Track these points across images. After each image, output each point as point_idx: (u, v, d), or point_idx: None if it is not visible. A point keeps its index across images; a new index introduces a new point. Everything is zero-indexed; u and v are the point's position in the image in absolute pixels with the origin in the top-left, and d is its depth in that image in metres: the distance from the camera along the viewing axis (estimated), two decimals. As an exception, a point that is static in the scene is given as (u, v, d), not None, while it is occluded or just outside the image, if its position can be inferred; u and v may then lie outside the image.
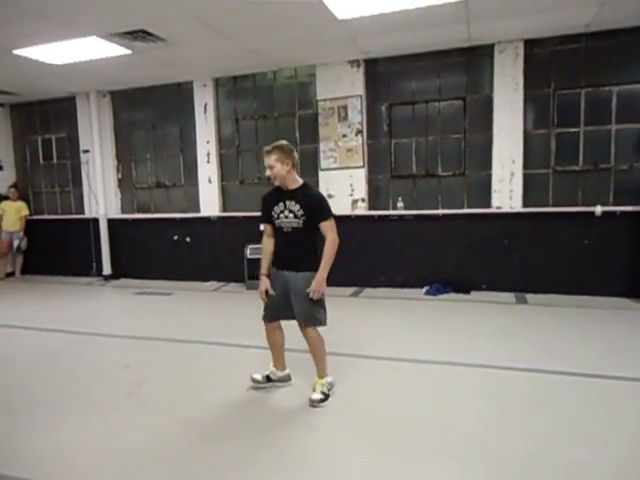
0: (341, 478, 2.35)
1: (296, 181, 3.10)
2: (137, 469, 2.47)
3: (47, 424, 2.96)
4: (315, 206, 3.04)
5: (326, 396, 3.11)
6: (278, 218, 3.09)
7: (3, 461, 2.58)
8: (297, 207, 3.02)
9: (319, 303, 3.09)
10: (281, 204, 3.06)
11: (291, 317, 3.16)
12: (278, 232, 3.13)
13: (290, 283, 3.08)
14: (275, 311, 3.19)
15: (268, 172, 3.07)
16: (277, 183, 3.07)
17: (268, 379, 3.31)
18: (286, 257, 3.12)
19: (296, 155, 3.13)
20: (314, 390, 3.14)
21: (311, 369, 3.24)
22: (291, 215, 3.03)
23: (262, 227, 3.28)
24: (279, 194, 3.11)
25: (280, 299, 3.13)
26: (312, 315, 3.09)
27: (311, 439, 2.73)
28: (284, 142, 3.14)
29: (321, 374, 3.19)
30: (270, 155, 3.02)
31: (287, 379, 3.38)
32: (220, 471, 2.44)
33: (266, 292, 3.17)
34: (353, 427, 2.82)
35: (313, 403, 3.06)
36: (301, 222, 3.02)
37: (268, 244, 3.22)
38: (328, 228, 3.02)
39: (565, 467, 2.37)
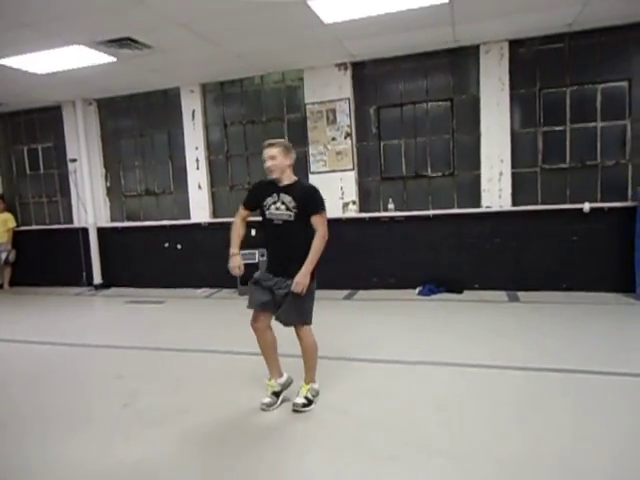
0: (341, 484, 2.34)
1: (291, 178, 3.08)
2: (134, 482, 2.44)
3: (40, 438, 2.92)
4: (308, 198, 3.01)
5: (309, 402, 3.08)
6: (269, 209, 3.04)
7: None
8: (289, 199, 2.99)
9: (309, 302, 3.03)
10: (275, 195, 3.03)
11: (274, 311, 3.08)
12: (267, 226, 3.06)
13: (280, 284, 3.01)
14: (262, 298, 3.06)
15: (268, 163, 2.99)
16: (275, 176, 3.01)
17: (276, 395, 3.18)
18: (278, 258, 3.06)
19: (294, 156, 3.12)
20: (298, 394, 3.10)
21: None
22: (283, 207, 2.99)
23: (239, 210, 3.22)
24: (274, 187, 3.07)
25: (271, 293, 3.05)
26: (302, 312, 3.02)
27: (309, 445, 2.71)
28: (286, 140, 3.17)
29: (308, 379, 3.16)
30: (274, 147, 3.01)
31: (289, 382, 3.28)
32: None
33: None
34: (351, 431, 2.81)
35: (296, 407, 3.03)
36: (292, 215, 2.97)
37: (240, 225, 3.20)
38: (319, 222, 2.98)
39: (563, 465, 2.38)
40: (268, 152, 3.01)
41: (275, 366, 3.24)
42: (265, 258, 3.24)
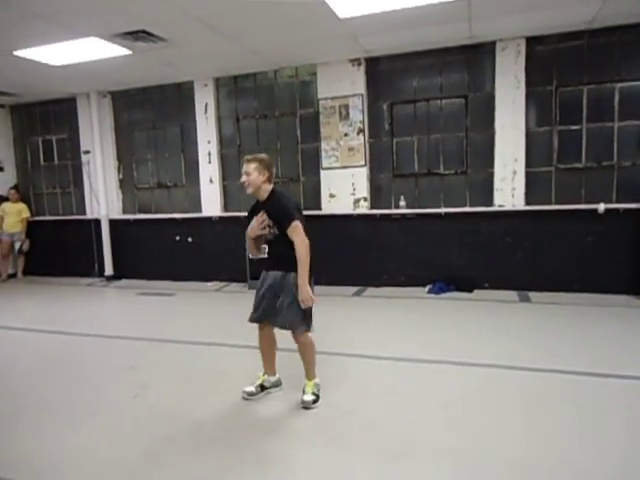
0: (348, 480, 2.35)
1: (267, 191, 3.10)
2: (144, 474, 2.47)
3: (52, 427, 2.96)
4: (277, 216, 3.03)
5: (317, 397, 3.11)
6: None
7: (8, 465, 2.58)
8: (267, 217, 3.07)
9: (297, 307, 3.03)
10: (260, 214, 3.10)
11: (263, 316, 3.14)
12: (267, 239, 3.17)
13: (277, 282, 3.07)
14: (265, 311, 3.12)
15: (243, 178, 3.05)
16: (250, 191, 3.07)
17: (262, 388, 3.27)
18: (274, 259, 3.15)
19: (274, 170, 3.16)
20: (304, 392, 3.12)
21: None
22: (266, 223, 3.08)
23: None
24: (257, 205, 3.17)
25: (270, 299, 3.10)
26: (300, 322, 3.04)
27: (317, 442, 2.71)
28: (265, 155, 3.18)
29: (310, 376, 3.19)
30: (250, 163, 3.06)
31: (279, 383, 3.36)
32: (229, 475, 2.43)
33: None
34: (358, 429, 2.81)
35: (306, 405, 3.06)
36: (275, 229, 3.06)
37: None
38: (293, 233, 2.97)
39: (569, 467, 2.36)
40: (245, 167, 3.08)
41: (271, 364, 3.32)
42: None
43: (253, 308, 3.19)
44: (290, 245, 3.00)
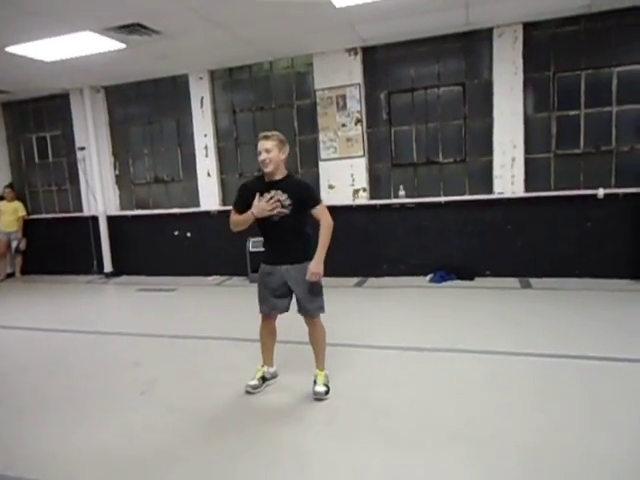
0: (360, 470, 2.35)
1: (283, 172, 3.05)
2: (158, 468, 2.47)
3: (60, 426, 2.96)
4: (303, 193, 3.00)
5: (329, 388, 3.12)
6: None
7: (17, 463, 2.57)
8: (284, 196, 2.97)
9: (320, 291, 3.08)
10: (266, 194, 2.98)
11: (286, 309, 3.14)
12: (265, 225, 3.03)
13: (290, 277, 3.03)
14: (275, 304, 3.13)
15: (263, 155, 2.93)
16: (269, 169, 2.96)
17: (264, 380, 3.29)
18: (279, 249, 3.07)
19: (288, 150, 3.08)
20: (316, 383, 3.13)
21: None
22: (278, 204, 2.96)
23: (232, 214, 3.10)
24: (263, 184, 3.02)
25: (279, 293, 3.10)
26: (318, 305, 3.08)
27: (328, 432, 2.72)
28: (281, 134, 3.10)
29: (321, 366, 3.19)
30: (269, 140, 2.96)
31: (276, 375, 3.38)
32: (244, 467, 2.44)
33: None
34: (367, 418, 2.83)
35: (319, 396, 3.06)
36: (289, 211, 2.97)
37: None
38: (321, 212, 2.99)
39: (582, 452, 2.38)
40: (264, 144, 2.95)
41: (270, 355, 3.33)
42: (264, 247, 3.21)
43: (261, 303, 3.17)
44: (298, 227, 3.00)
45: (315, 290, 3.05)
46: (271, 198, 2.96)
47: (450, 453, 2.43)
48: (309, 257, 2.99)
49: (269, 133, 3.02)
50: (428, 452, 2.45)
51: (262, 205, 2.94)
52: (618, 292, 5.11)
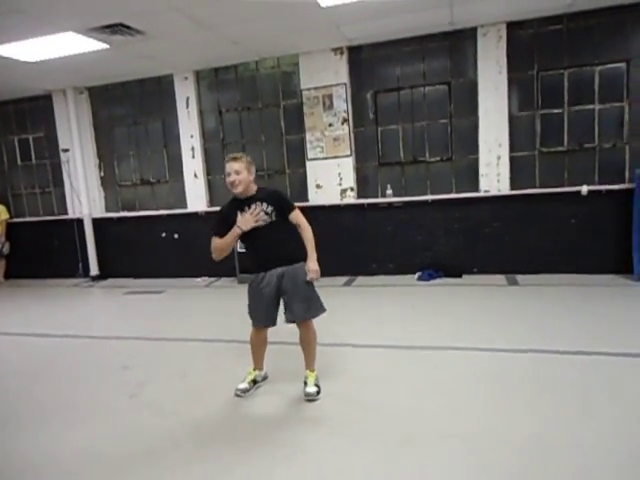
0: (353, 469, 2.36)
1: (253, 187, 3.10)
2: (149, 474, 2.44)
3: (51, 431, 2.91)
4: (279, 200, 3.09)
5: (320, 388, 3.12)
6: None
7: (9, 469, 2.53)
8: (265, 205, 3.03)
9: (315, 292, 3.11)
10: (246, 209, 3.02)
11: (271, 321, 3.15)
12: (250, 237, 3.03)
13: (284, 278, 3.03)
14: (269, 316, 3.13)
15: (233, 177, 2.98)
16: (239, 190, 3.01)
17: (254, 382, 3.29)
18: (270, 254, 3.05)
19: (254, 169, 3.13)
20: (307, 384, 3.13)
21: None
22: (262, 213, 3.02)
23: (214, 241, 3.08)
24: (240, 202, 3.05)
25: (272, 302, 3.09)
26: (316, 306, 3.10)
27: (318, 433, 2.72)
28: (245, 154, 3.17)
29: (311, 367, 3.20)
30: (238, 161, 3.01)
31: (267, 376, 3.41)
32: (235, 470, 2.42)
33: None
34: (359, 418, 2.83)
35: (310, 397, 3.06)
36: (273, 216, 3.03)
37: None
38: (298, 216, 3.10)
39: (573, 447, 2.40)
40: (232, 166, 3.00)
41: (261, 360, 3.35)
42: (250, 259, 3.21)
43: (256, 315, 3.15)
44: (285, 229, 3.06)
45: (310, 292, 3.08)
46: (257, 209, 3.01)
47: (441, 450, 2.44)
48: (302, 258, 3.03)
49: (237, 155, 3.09)
50: (419, 450, 2.46)
51: (247, 217, 2.99)
52: (603, 287, 5.19)
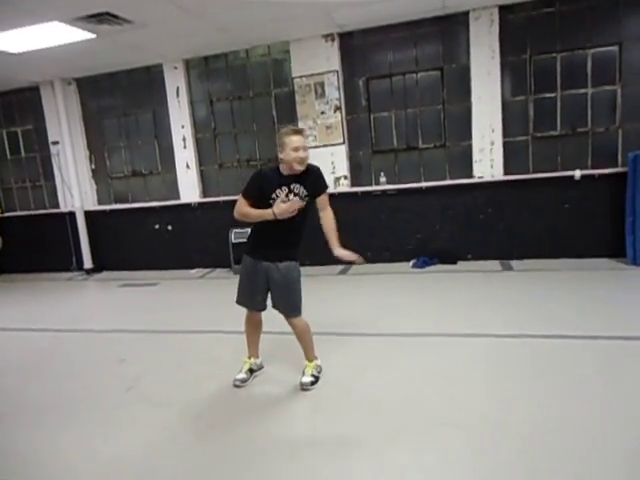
0: (351, 457, 2.37)
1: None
2: (147, 466, 2.45)
3: (47, 426, 2.91)
4: (317, 180, 2.97)
5: (316, 379, 3.13)
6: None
7: (5, 466, 2.53)
8: (302, 189, 2.90)
9: (298, 291, 3.05)
10: (285, 188, 2.87)
11: (263, 306, 3.13)
12: (273, 222, 2.83)
13: (270, 274, 3.00)
14: (256, 299, 3.09)
15: (303, 154, 2.80)
16: (302, 168, 2.86)
17: (251, 372, 3.28)
18: (272, 247, 2.96)
19: None
20: (304, 374, 3.14)
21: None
22: (296, 198, 2.87)
23: (242, 203, 2.89)
24: (283, 177, 2.88)
25: (261, 287, 3.05)
26: (295, 305, 3.06)
27: (316, 421, 2.74)
28: None
29: (310, 357, 3.20)
30: (303, 135, 2.87)
31: (262, 366, 3.38)
32: (233, 460, 2.43)
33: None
34: (358, 405, 2.85)
35: (305, 386, 3.07)
36: (304, 202, 2.91)
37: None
38: (326, 200, 3.03)
39: (570, 432, 2.42)
40: (302, 141, 2.80)
41: (256, 347, 3.33)
42: (253, 243, 3.08)
43: (245, 297, 3.13)
44: (303, 223, 2.97)
45: (291, 292, 3.02)
46: (294, 195, 2.86)
47: (439, 438, 2.46)
48: (292, 258, 3.01)
49: (298, 127, 2.99)
50: (415, 437, 2.48)
51: (285, 207, 2.78)
52: (598, 271, 5.22)
